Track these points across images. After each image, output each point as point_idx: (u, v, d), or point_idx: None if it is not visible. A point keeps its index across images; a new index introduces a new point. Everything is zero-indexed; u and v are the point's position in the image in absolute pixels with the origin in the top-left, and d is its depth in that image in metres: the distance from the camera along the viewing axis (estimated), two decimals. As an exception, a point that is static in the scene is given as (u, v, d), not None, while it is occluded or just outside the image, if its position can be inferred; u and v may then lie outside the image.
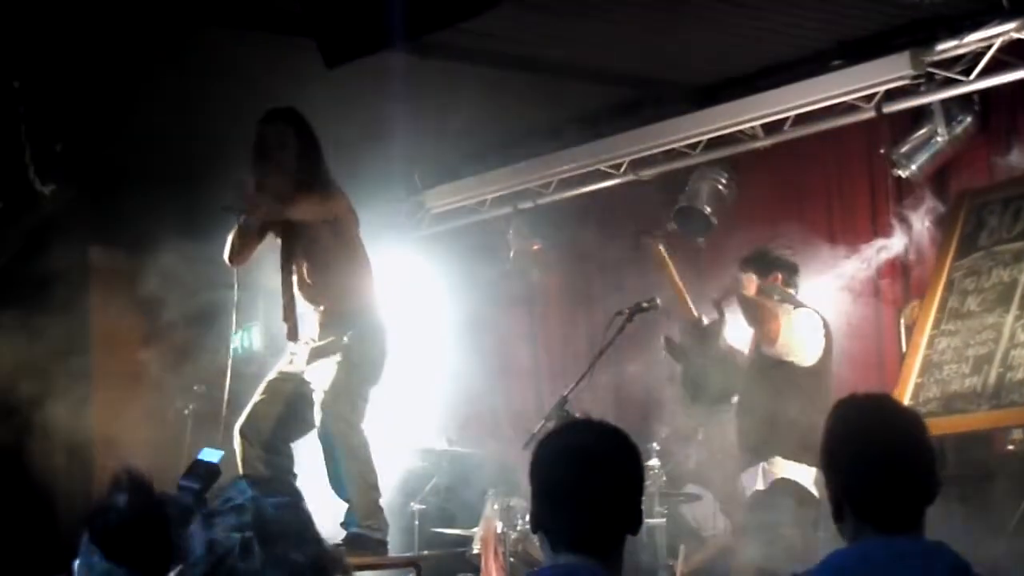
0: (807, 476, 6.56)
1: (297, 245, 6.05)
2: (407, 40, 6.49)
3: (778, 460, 6.64)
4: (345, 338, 5.96)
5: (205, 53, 7.32)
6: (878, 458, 2.84)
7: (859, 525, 2.83)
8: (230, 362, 6.22)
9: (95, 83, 7.63)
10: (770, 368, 6.77)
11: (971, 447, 6.84)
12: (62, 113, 7.98)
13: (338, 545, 5.88)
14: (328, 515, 6.06)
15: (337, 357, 5.93)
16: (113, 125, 8.25)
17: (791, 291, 7.03)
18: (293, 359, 6.11)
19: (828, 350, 6.83)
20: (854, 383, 6.95)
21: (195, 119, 8.18)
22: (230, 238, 5.98)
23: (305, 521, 2.73)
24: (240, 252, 5.98)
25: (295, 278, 6.08)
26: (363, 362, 5.99)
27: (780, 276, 7.03)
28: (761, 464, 6.70)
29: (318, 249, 6.02)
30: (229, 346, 6.32)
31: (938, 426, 6.25)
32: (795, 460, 6.56)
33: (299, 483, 6.12)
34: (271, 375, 6.16)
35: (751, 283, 7.00)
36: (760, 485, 6.70)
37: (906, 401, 6.71)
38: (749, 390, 6.91)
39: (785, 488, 6.58)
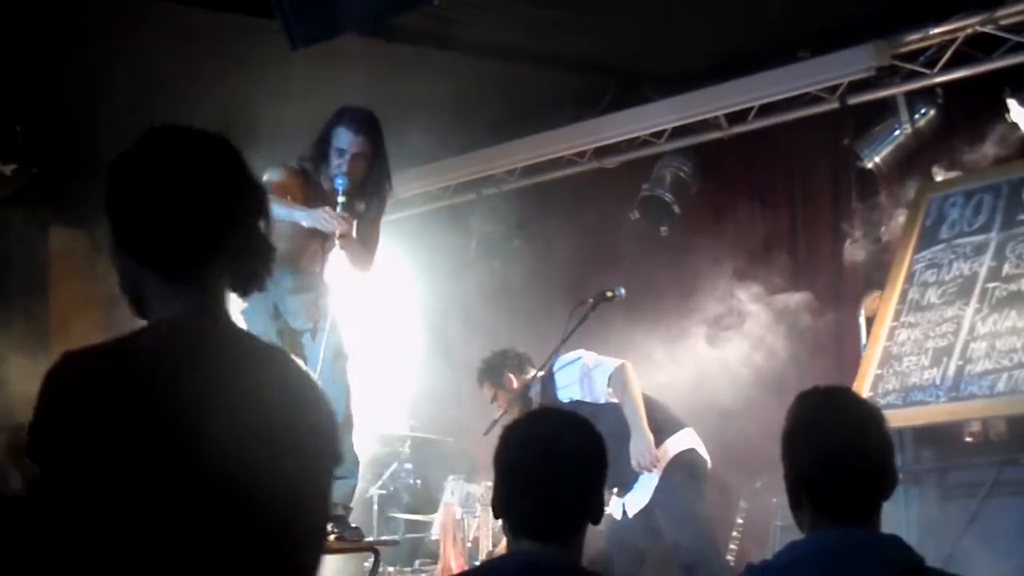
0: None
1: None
2: (372, 23, 6.46)
3: None
4: (327, 324, 5.97)
5: (169, 34, 7.27)
6: (835, 450, 2.86)
7: (816, 516, 2.86)
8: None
9: (55, 62, 7.56)
10: None
11: (930, 439, 6.88)
12: (22, 93, 7.90)
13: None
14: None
15: (323, 342, 5.92)
16: (74, 105, 8.18)
17: (527, 375, 7.04)
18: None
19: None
20: (813, 374, 7.00)
21: (158, 100, 8.11)
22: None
23: None
24: None
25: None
26: (342, 347, 6.00)
27: (510, 375, 7.06)
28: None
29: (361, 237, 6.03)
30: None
31: (897, 418, 6.28)
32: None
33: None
34: None
35: (500, 390, 7.04)
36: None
37: (865, 392, 6.74)
38: None
39: None
